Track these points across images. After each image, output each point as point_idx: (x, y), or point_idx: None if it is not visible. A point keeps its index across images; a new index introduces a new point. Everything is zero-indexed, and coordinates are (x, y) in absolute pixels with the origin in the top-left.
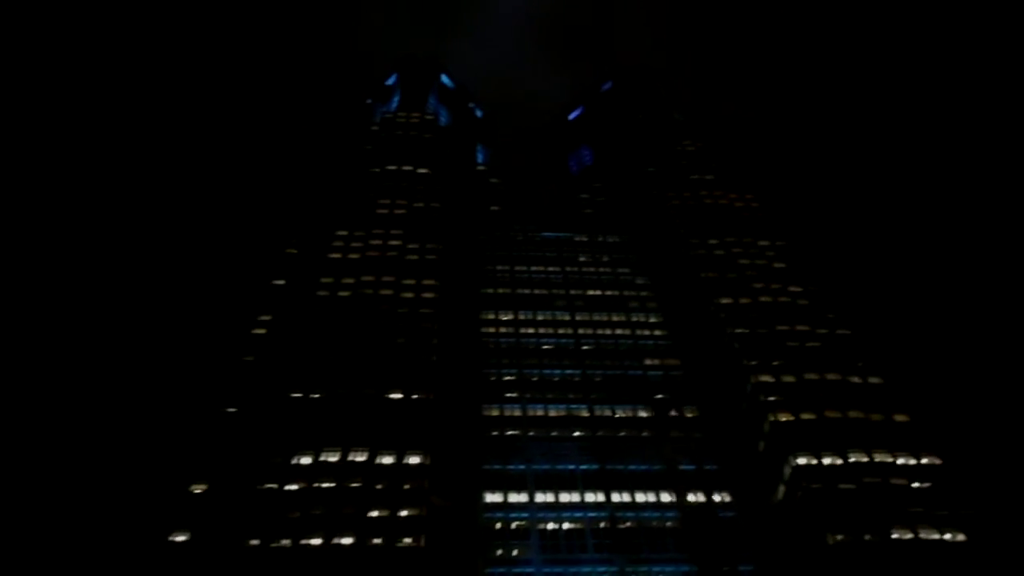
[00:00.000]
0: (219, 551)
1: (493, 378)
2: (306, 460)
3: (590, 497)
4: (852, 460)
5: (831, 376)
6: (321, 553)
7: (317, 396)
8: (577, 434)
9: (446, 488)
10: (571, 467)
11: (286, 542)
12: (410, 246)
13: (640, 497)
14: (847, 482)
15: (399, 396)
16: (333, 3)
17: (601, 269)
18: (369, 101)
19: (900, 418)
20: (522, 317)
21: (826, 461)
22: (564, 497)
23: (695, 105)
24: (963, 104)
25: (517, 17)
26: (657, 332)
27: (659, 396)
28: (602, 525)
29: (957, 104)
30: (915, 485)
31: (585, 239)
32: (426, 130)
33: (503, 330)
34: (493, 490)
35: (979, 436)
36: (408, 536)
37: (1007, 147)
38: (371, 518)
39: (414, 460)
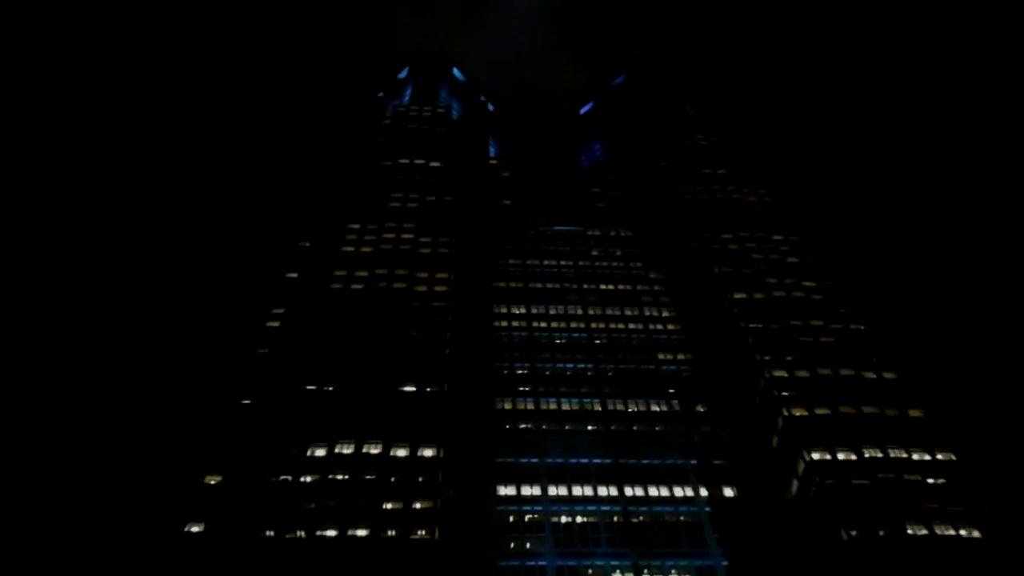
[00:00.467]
0: (234, 542)
1: (506, 372)
2: (320, 452)
3: (603, 491)
4: (866, 456)
5: (845, 371)
6: (336, 545)
7: (331, 388)
8: (590, 428)
9: (459, 481)
10: (584, 461)
11: (301, 534)
12: (423, 239)
13: (653, 491)
14: (861, 478)
15: (412, 389)
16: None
17: (614, 263)
18: (381, 95)
19: (915, 414)
20: (535, 311)
21: (840, 456)
22: (577, 491)
23: (708, 99)
24: (971, 100)
25: (529, 11)
26: (670, 327)
27: (675, 391)
28: (615, 519)
29: (967, 100)
30: (930, 481)
31: (597, 233)
32: (438, 124)
33: (516, 324)
34: (506, 483)
35: (994, 432)
36: (422, 528)
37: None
38: (385, 510)
39: (428, 453)
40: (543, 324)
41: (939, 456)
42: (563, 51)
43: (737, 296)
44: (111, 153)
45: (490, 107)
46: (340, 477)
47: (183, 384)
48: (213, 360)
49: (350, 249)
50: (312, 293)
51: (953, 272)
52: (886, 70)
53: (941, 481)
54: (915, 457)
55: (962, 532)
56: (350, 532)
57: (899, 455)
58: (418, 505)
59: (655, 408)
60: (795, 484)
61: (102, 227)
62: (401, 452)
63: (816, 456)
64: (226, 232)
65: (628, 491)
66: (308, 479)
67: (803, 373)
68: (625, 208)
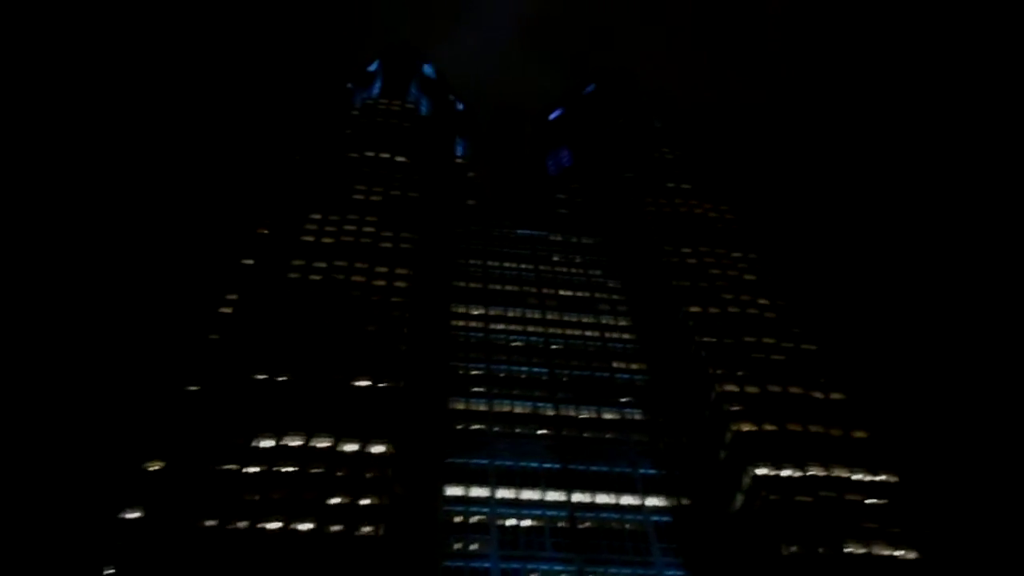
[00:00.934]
0: (173, 531)
1: (461, 372)
2: (268, 443)
3: (551, 496)
4: (810, 473)
5: (794, 389)
6: (279, 537)
7: (282, 379)
8: (541, 432)
9: (408, 479)
10: (534, 465)
11: (243, 524)
12: (384, 234)
13: (601, 498)
14: (804, 494)
15: (366, 383)
16: None
17: (574, 270)
18: (350, 86)
19: (859, 434)
20: (493, 313)
21: (785, 473)
22: (525, 494)
23: (675, 114)
24: (931, 130)
25: (503, 14)
26: (626, 336)
27: (628, 400)
28: (561, 524)
29: (927, 129)
30: (870, 501)
31: (560, 239)
32: (406, 119)
33: (473, 324)
34: (454, 483)
35: (935, 456)
36: (368, 525)
37: (974, 174)
38: (331, 505)
39: (378, 449)
40: (500, 326)
41: (881, 477)
42: (535, 57)
43: (693, 309)
44: (64, 130)
45: (459, 106)
46: (287, 469)
47: (128, 366)
48: (160, 343)
49: (310, 239)
50: (268, 281)
51: (903, 300)
52: (847, 98)
53: (882, 501)
54: (857, 477)
55: (899, 552)
56: (295, 525)
57: (842, 474)
58: (365, 501)
59: (607, 416)
60: (740, 498)
61: (50, 203)
62: (351, 447)
63: (761, 471)
64: (181, 214)
65: (576, 497)
66: (254, 470)
67: (753, 389)
68: (589, 216)
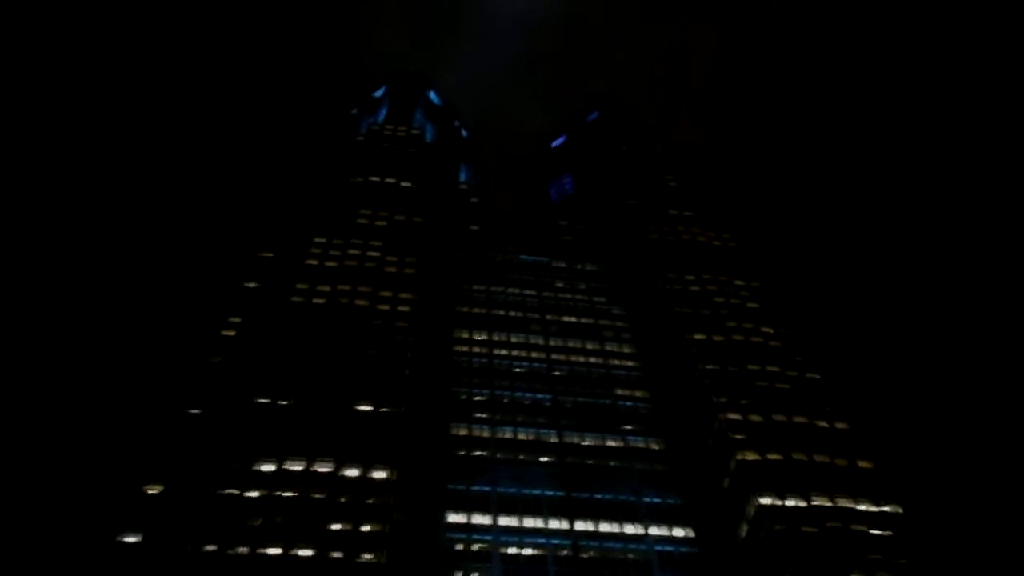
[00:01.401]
0: (172, 555)
1: (463, 397)
2: (269, 467)
3: (554, 524)
4: (815, 503)
5: (798, 418)
6: (280, 563)
7: (284, 403)
8: (544, 459)
9: (410, 505)
10: (536, 492)
11: (244, 550)
12: (388, 258)
13: (604, 527)
14: (809, 525)
15: (368, 408)
16: (324, 13)
17: (577, 296)
18: (355, 111)
19: (864, 464)
20: (496, 338)
21: (790, 503)
22: (528, 522)
23: (678, 142)
24: (929, 148)
25: (506, 43)
26: (629, 363)
27: (631, 427)
28: (564, 553)
29: (926, 150)
30: (875, 532)
31: (563, 265)
32: (411, 144)
33: (476, 350)
34: (457, 510)
35: (940, 486)
36: (369, 552)
37: (975, 190)
38: (332, 531)
39: (380, 475)
40: (503, 352)
41: (886, 508)
42: (539, 84)
43: (696, 337)
44: (73, 152)
45: (464, 133)
46: (288, 494)
47: (129, 388)
48: (162, 365)
49: (314, 263)
50: (271, 304)
51: (908, 330)
52: (847, 105)
53: (887, 533)
54: (862, 507)
55: None
56: (296, 551)
57: (847, 505)
58: (367, 527)
59: (611, 443)
60: (745, 527)
61: (57, 225)
62: (352, 472)
63: (766, 501)
64: (186, 236)
65: (579, 525)
66: (254, 494)
67: (757, 417)
68: (592, 242)
